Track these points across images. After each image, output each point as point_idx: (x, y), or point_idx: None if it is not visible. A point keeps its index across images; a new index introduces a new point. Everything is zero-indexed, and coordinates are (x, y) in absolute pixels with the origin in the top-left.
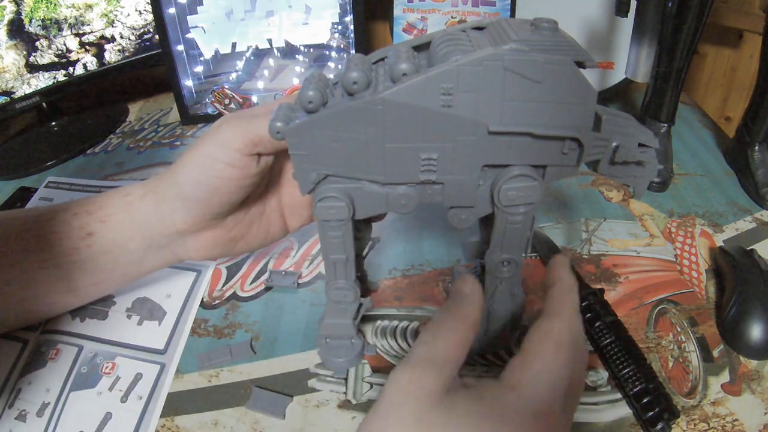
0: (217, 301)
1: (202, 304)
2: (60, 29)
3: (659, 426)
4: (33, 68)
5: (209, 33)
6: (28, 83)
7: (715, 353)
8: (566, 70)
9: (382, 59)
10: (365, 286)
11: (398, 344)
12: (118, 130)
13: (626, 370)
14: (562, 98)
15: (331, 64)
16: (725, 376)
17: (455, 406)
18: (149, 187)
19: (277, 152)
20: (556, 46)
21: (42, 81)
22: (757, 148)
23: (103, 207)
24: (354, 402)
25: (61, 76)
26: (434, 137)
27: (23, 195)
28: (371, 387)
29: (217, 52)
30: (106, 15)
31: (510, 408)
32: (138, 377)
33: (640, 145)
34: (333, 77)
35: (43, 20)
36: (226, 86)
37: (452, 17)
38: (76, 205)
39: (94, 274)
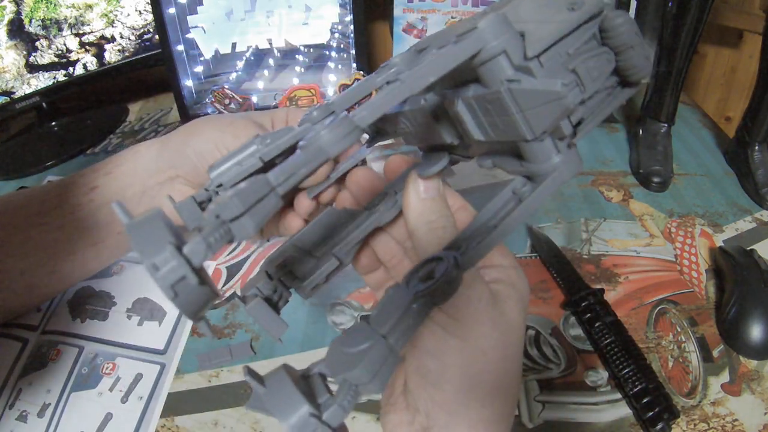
0: (217, 301)
1: None
2: (60, 29)
3: (659, 426)
4: (33, 68)
5: (209, 33)
6: (28, 83)
7: (715, 353)
8: None
9: None
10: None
11: None
12: (118, 130)
13: (626, 370)
14: None
15: (331, 64)
16: (725, 376)
17: None
18: (159, 138)
19: None
20: None
21: (42, 81)
22: (757, 148)
23: (111, 161)
24: None
25: (61, 76)
26: None
27: None
28: None
29: (217, 52)
30: (106, 15)
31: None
32: (138, 377)
33: None
34: None
35: (43, 20)
36: (226, 86)
37: (452, 17)
38: (87, 168)
39: (92, 233)
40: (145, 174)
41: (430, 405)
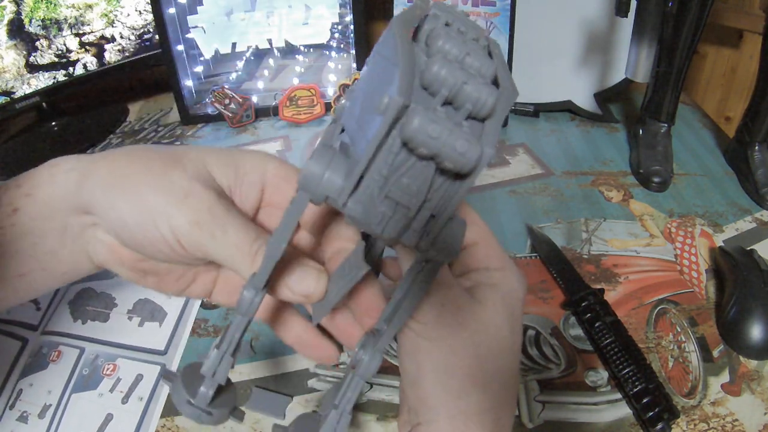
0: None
1: (203, 305)
2: (60, 29)
3: (659, 426)
4: (33, 68)
5: (209, 33)
6: (28, 83)
7: (715, 353)
8: None
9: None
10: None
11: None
12: (118, 130)
13: (626, 370)
14: None
15: (331, 64)
16: (725, 376)
17: None
18: (80, 165)
19: None
20: None
21: (42, 81)
22: (757, 148)
23: (32, 178)
24: None
25: (61, 76)
26: None
27: None
28: (371, 387)
29: (217, 52)
30: (106, 15)
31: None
32: (139, 378)
33: None
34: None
35: (43, 20)
36: (226, 86)
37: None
38: (13, 179)
39: (18, 263)
40: (63, 208)
41: (415, 402)
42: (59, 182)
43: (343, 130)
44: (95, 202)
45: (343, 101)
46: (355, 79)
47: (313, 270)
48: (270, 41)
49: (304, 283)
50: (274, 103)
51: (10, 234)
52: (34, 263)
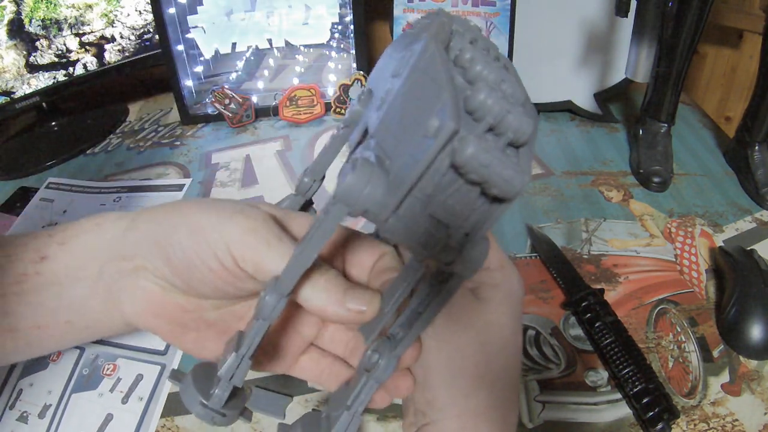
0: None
1: None
2: (60, 29)
3: (659, 426)
4: (33, 68)
5: (209, 33)
6: (28, 83)
7: (715, 353)
8: None
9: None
10: None
11: None
12: (118, 130)
13: (626, 370)
14: None
15: (331, 64)
16: (725, 376)
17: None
18: (128, 215)
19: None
20: None
21: (42, 81)
22: (757, 148)
23: (68, 229)
24: None
25: (61, 76)
26: None
27: (23, 195)
28: None
29: (217, 52)
30: (106, 15)
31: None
32: (139, 378)
33: None
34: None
35: (43, 20)
36: (226, 86)
37: None
38: (43, 230)
39: (37, 314)
40: (103, 255)
41: (422, 403)
42: (107, 230)
43: (363, 137)
44: (142, 234)
45: (356, 107)
46: (356, 79)
47: (366, 289)
48: (270, 41)
49: (359, 299)
50: (274, 103)
51: (33, 282)
52: (56, 315)
